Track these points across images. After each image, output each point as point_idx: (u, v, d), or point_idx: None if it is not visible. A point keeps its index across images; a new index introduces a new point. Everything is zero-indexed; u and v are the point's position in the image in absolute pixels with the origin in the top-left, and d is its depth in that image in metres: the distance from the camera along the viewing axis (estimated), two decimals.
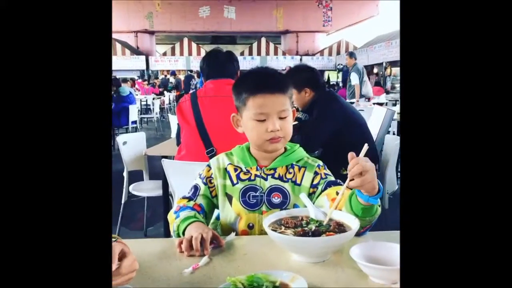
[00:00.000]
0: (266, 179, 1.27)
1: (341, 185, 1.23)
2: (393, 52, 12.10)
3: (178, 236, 1.18)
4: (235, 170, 1.30)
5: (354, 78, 6.92)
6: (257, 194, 1.26)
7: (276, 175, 1.27)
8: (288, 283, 0.85)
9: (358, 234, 1.09)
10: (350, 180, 0.99)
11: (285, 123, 1.23)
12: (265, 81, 1.24)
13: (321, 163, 1.33)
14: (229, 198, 1.29)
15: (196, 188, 1.32)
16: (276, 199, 1.25)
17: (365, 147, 1.03)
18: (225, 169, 1.31)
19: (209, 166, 1.34)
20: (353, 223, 1.02)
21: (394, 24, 14.17)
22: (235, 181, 1.29)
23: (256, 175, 1.28)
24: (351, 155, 0.99)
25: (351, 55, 7.36)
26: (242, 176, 1.29)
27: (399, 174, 4.89)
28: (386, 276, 0.87)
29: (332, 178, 1.29)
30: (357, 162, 0.98)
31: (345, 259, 0.97)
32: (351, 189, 1.06)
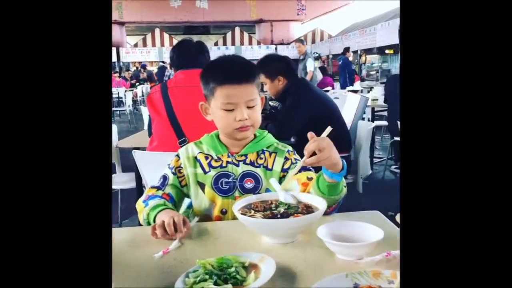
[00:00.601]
0: (238, 165, 1.29)
1: (310, 170, 1.26)
2: (368, 40, 12.21)
3: (149, 224, 1.19)
4: (206, 158, 1.31)
5: (310, 65, 6.96)
6: (229, 180, 1.28)
7: (248, 161, 1.29)
8: (257, 263, 0.87)
9: (326, 213, 1.12)
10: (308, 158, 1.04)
11: (253, 112, 1.24)
12: (232, 71, 1.24)
13: (290, 148, 1.35)
14: (202, 186, 1.29)
15: (164, 178, 1.32)
16: (249, 184, 1.27)
17: (328, 129, 1.08)
18: (195, 158, 1.31)
19: (177, 156, 1.34)
20: (320, 204, 1.04)
21: (368, 11, 14.32)
22: (207, 169, 1.29)
23: (228, 162, 1.29)
24: (310, 134, 1.04)
25: (302, 41, 7.40)
26: (213, 163, 1.29)
27: (374, 159, 5.01)
28: (352, 253, 0.90)
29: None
30: (314, 141, 1.03)
31: (313, 239, 0.99)
32: (310, 170, 1.15)
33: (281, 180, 1.28)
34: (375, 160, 5.09)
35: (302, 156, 1.39)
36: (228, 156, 1.30)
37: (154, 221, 1.15)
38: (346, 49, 10.24)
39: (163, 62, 14.47)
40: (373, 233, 0.93)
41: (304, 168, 1.28)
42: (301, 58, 7.21)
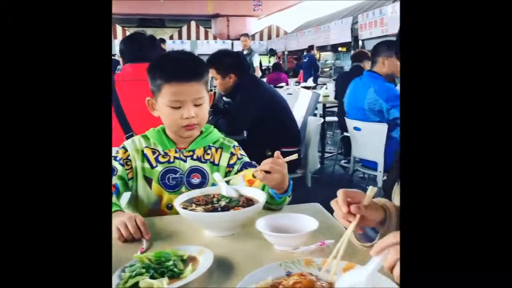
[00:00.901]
0: (185, 161, 1.29)
1: (255, 167, 1.29)
2: (322, 37, 12.44)
3: None
4: (153, 153, 1.30)
5: (256, 60, 6.97)
6: (177, 176, 1.28)
7: (195, 157, 1.30)
8: (196, 256, 0.89)
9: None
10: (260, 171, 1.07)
11: (200, 110, 1.24)
12: (180, 69, 1.23)
13: (236, 143, 1.38)
14: (148, 181, 1.29)
15: (112, 169, 1.28)
16: (195, 180, 1.28)
17: (293, 156, 1.11)
18: (142, 151, 1.30)
19: (124, 148, 1.32)
20: (261, 197, 1.08)
21: (322, 9, 14.58)
22: (154, 164, 1.29)
23: (175, 157, 1.29)
24: (277, 153, 1.09)
25: (248, 36, 7.35)
26: (161, 159, 1.29)
27: (325, 154, 5.15)
28: (288, 243, 0.94)
29: (247, 159, 1.36)
30: (271, 162, 1.06)
31: (254, 231, 1.02)
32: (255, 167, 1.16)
33: (226, 174, 1.31)
34: (326, 155, 5.22)
35: (250, 150, 1.43)
36: (176, 152, 1.30)
37: None
38: (311, 47, 10.40)
39: (114, 55, 14.03)
40: (309, 224, 0.97)
41: (248, 164, 1.32)
42: (245, 53, 7.17)
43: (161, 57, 1.34)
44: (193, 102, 1.22)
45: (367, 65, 4.10)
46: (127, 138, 1.98)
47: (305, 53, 10.88)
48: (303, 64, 9.78)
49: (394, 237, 0.71)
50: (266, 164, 1.06)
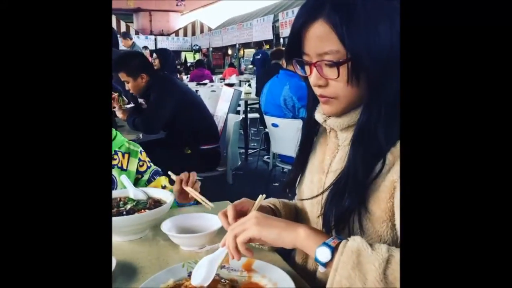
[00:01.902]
0: None
1: (163, 175, 1.29)
2: (245, 34, 12.58)
3: None
4: None
5: None
6: None
7: None
8: None
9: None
10: None
11: None
12: None
13: (141, 148, 1.36)
14: None
15: None
16: None
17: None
18: None
19: None
20: (168, 198, 1.07)
21: (244, 7, 14.72)
22: None
23: None
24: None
25: (125, 36, 6.80)
26: None
27: (249, 150, 5.23)
28: (193, 243, 0.95)
29: (155, 167, 1.36)
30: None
31: (161, 233, 1.02)
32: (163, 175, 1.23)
33: (136, 182, 1.28)
34: (250, 151, 5.31)
35: (169, 150, 1.41)
36: None
37: None
38: (261, 43, 10.26)
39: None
40: (214, 223, 0.99)
41: (157, 172, 1.33)
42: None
43: None
44: None
45: (285, 62, 4.23)
46: None
47: (257, 50, 10.84)
48: (255, 61, 9.71)
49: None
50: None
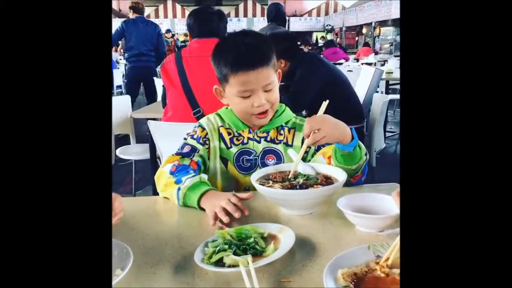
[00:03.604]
0: (259, 142, 1.25)
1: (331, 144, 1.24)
2: (383, 11, 11.91)
3: (185, 205, 1.07)
4: (229, 133, 1.26)
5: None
6: (251, 157, 1.24)
7: (269, 138, 1.25)
8: (276, 234, 0.86)
9: (352, 184, 1.15)
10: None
11: (271, 94, 1.17)
12: (246, 57, 1.13)
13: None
14: (225, 161, 1.25)
15: (193, 147, 1.23)
16: (270, 161, 1.23)
17: (324, 104, 1.09)
18: (219, 130, 1.26)
19: (201, 126, 1.27)
20: (340, 176, 1.02)
21: None
22: (229, 145, 1.25)
23: (249, 138, 1.25)
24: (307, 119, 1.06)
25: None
26: (235, 140, 1.25)
27: (386, 133, 4.96)
28: (372, 225, 0.89)
29: None
30: (307, 122, 1.03)
31: (333, 211, 0.98)
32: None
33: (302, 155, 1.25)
34: (388, 134, 5.03)
35: None
36: (249, 132, 1.25)
37: (198, 204, 1.04)
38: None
39: (173, 35, 14.27)
40: (394, 206, 0.91)
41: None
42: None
43: (222, 43, 1.22)
44: (263, 88, 1.15)
45: None
46: (194, 113, 2.00)
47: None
48: None
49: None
50: (305, 129, 1.03)
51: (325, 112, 1.10)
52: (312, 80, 2.60)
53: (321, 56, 3.05)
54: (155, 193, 1.23)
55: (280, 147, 1.25)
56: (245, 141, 1.25)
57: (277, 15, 3.97)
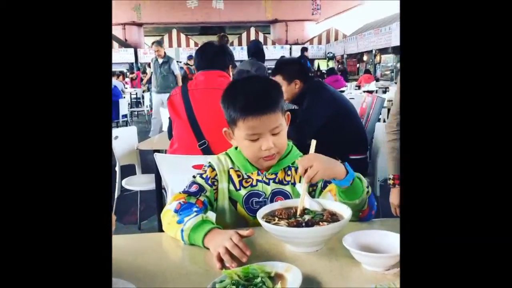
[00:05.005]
0: (268, 184, 1.25)
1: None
2: (382, 39, 12.10)
3: (191, 244, 1.08)
4: (238, 176, 1.26)
5: (175, 68, 6.58)
6: (260, 200, 1.24)
7: (277, 179, 1.26)
8: (283, 273, 0.87)
9: (361, 219, 1.17)
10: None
11: (278, 138, 1.19)
12: (254, 102, 1.16)
13: None
14: (234, 203, 1.26)
15: (200, 187, 1.24)
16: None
17: (313, 143, 1.12)
18: (228, 172, 1.27)
19: (211, 166, 1.28)
20: (345, 212, 1.03)
21: (382, 11, 14.15)
22: (238, 187, 1.25)
23: (258, 180, 1.25)
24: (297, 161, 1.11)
25: (160, 43, 6.73)
26: (244, 183, 1.26)
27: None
28: (378, 263, 0.89)
29: None
30: (298, 162, 1.08)
31: (338, 248, 0.99)
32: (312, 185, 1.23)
33: (310, 194, 1.24)
34: None
35: None
36: (258, 174, 1.26)
37: (203, 243, 1.04)
38: (305, 49, 10.40)
39: (179, 61, 14.53)
40: (398, 242, 0.91)
41: (329, 181, 1.27)
42: (161, 61, 6.52)
43: (231, 88, 1.25)
44: (271, 132, 1.17)
45: None
46: (200, 145, 2.03)
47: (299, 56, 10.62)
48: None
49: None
50: (299, 165, 1.07)
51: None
52: (319, 111, 2.62)
53: (329, 85, 3.09)
54: (160, 223, 1.23)
55: (288, 188, 1.26)
56: (254, 183, 1.25)
57: (256, 51, 4.42)
